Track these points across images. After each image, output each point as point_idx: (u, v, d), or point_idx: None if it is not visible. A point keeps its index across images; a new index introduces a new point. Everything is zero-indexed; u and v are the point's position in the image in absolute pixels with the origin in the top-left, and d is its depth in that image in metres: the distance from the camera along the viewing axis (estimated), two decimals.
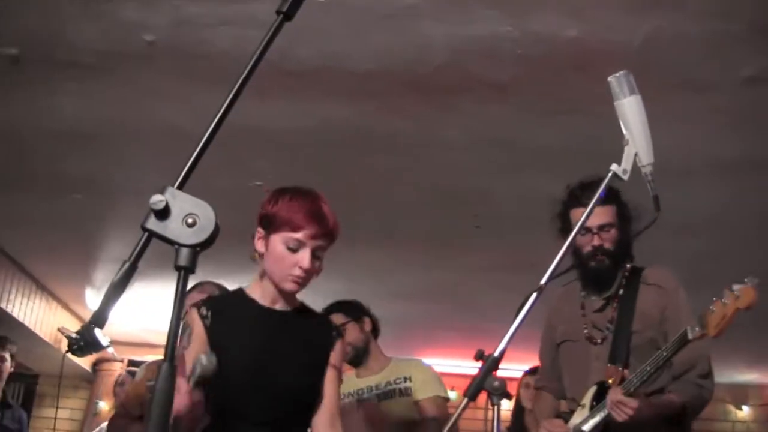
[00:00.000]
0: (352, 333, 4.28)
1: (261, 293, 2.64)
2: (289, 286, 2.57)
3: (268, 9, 3.58)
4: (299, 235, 2.53)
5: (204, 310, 2.57)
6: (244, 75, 1.42)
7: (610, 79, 2.11)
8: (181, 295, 1.26)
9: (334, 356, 2.70)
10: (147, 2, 3.71)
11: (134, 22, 3.81)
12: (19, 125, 4.85)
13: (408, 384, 4.22)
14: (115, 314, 1.28)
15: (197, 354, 2.40)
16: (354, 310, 4.40)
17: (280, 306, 2.66)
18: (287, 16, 1.55)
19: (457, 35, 3.80)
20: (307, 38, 3.82)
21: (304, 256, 2.53)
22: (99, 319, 1.26)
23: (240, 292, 2.70)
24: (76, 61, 4.15)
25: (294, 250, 2.53)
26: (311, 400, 2.64)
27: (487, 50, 3.89)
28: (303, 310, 2.73)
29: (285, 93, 4.31)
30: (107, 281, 7.42)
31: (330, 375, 2.68)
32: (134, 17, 3.78)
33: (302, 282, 2.57)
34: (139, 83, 4.36)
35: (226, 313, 2.60)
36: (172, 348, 1.22)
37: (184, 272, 1.27)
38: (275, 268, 2.58)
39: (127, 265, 1.26)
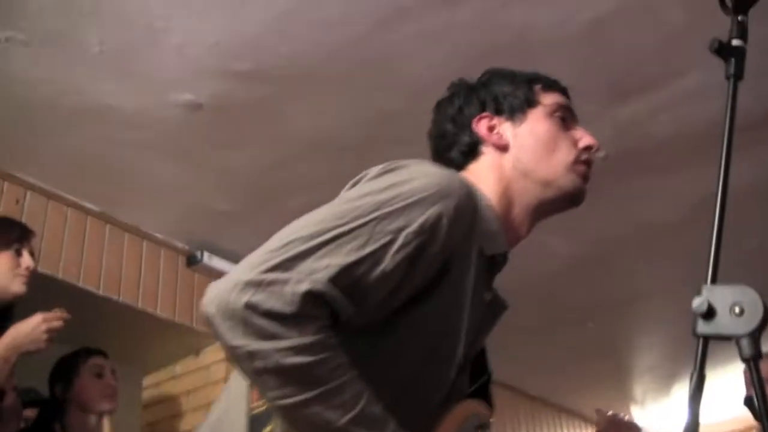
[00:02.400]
0: None
1: None
2: None
3: (694, 83, 3.55)
4: None
5: None
6: (725, 147, 1.40)
7: None
8: (759, 383, 1.23)
9: None
10: (585, 123, 3.81)
11: None
12: None
13: None
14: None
15: None
16: None
17: None
18: (738, 77, 1.52)
19: None
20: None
21: None
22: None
23: None
24: None
25: None
26: None
27: None
28: None
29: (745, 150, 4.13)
30: (647, 392, 7.40)
31: None
32: None
33: None
34: (606, 199, 4.45)
35: None
36: None
37: (753, 362, 1.24)
38: None
39: (695, 375, 1.26)
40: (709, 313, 1.27)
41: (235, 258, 4.53)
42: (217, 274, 4.09)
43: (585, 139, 1.67)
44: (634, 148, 4.07)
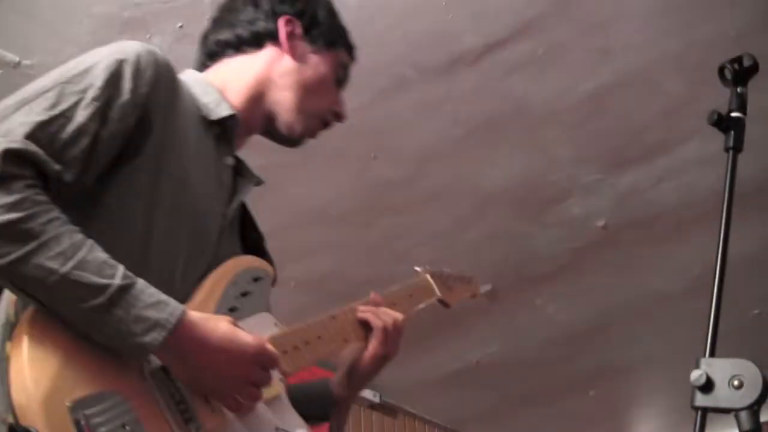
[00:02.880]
0: None
1: None
2: None
3: (695, 151, 3.57)
4: None
5: None
6: (724, 214, 1.40)
7: None
8: None
9: None
10: (585, 192, 3.85)
11: (582, 214, 3.97)
12: (524, 346, 5.12)
13: None
14: None
15: None
16: None
17: None
18: (737, 149, 1.53)
19: None
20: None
21: None
22: None
23: None
24: (546, 271, 4.37)
25: None
26: None
27: None
28: None
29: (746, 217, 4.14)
30: None
31: None
32: (580, 210, 3.94)
33: None
34: (605, 267, 4.45)
35: None
36: None
37: None
38: None
39: None
40: (708, 386, 1.26)
41: None
42: None
43: (340, 107, 1.78)
44: (636, 217, 4.07)
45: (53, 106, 1.29)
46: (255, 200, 3.96)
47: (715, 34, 3.11)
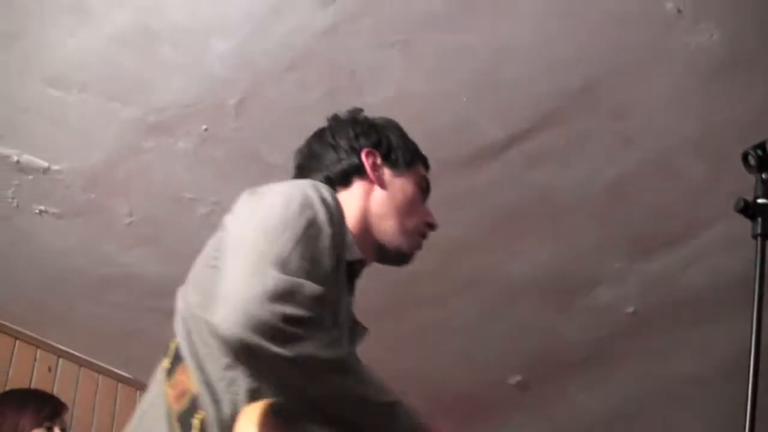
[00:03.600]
0: None
1: None
2: None
3: (721, 235, 3.56)
4: None
5: None
6: (756, 304, 1.40)
7: None
8: None
9: None
10: (613, 280, 3.84)
11: (611, 301, 3.96)
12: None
13: None
14: None
15: None
16: None
17: None
18: (765, 236, 1.53)
19: None
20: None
21: None
22: None
23: None
24: (577, 359, 4.31)
25: None
26: None
27: None
28: None
29: None
30: None
31: None
32: (609, 298, 3.93)
33: None
34: (636, 353, 4.40)
35: None
36: None
37: None
38: None
39: None
40: None
41: None
42: None
43: (431, 218, 1.88)
44: (664, 302, 4.03)
45: (305, 250, 1.38)
46: None
47: (733, 117, 3.12)
